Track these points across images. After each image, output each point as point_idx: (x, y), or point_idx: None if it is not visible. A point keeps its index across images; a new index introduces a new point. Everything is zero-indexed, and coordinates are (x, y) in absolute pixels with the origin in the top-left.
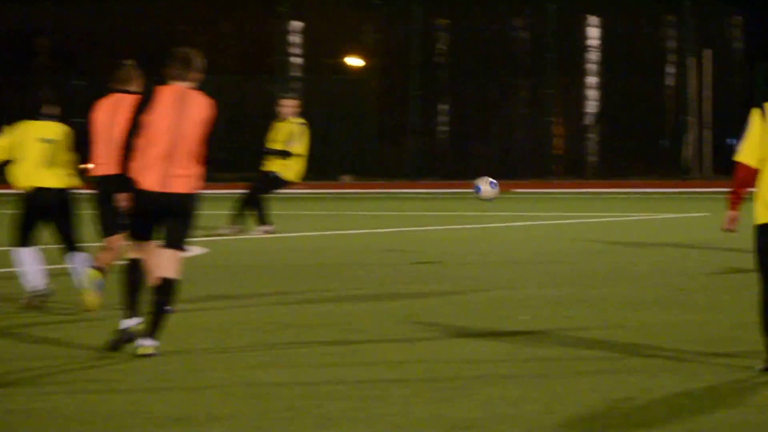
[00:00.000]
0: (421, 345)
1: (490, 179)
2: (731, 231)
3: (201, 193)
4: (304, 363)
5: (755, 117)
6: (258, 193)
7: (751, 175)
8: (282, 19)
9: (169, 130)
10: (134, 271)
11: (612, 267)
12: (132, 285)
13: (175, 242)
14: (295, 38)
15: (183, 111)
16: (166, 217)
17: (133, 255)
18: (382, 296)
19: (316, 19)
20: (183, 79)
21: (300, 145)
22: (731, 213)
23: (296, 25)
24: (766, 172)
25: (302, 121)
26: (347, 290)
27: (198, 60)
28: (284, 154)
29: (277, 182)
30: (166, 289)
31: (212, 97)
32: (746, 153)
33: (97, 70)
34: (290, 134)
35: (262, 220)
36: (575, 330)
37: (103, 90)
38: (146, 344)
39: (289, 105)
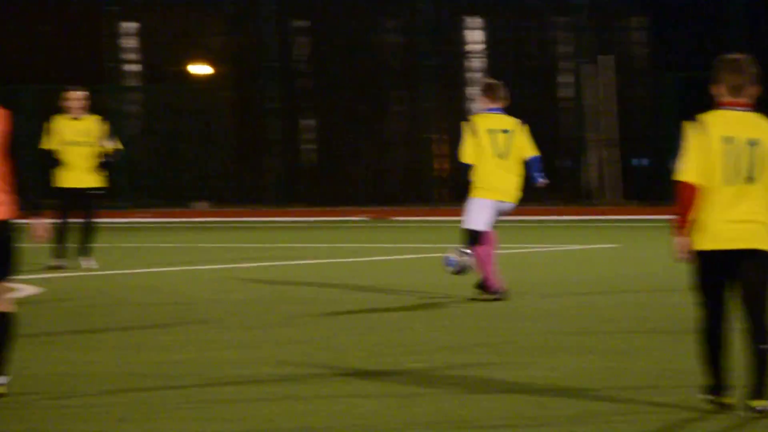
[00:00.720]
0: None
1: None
2: (686, 260)
3: (16, 221)
4: (170, 417)
5: (691, 131)
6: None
7: (695, 195)
8: (113, 20)
9: None
10: None
11: (512, 306)
12: None
13: (4, 273)
14: (129, 42)
15: None
16: None
17: None
18: (246, 342)
19: (153, 19)
20: None
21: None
22: (681, 240)
23: (129, 26)
24: (711, 192)
25: (99, 117)
26: (205, 333)
27: None
28: (116, 157)
29: (100, 197)
30: (1, 323)
31: (31, 110)
32: (689, 170)
33: None
34: (101, 133)
35: (61, 253)
36: (473, 378)
37: None
38: None
39: (79, 98)
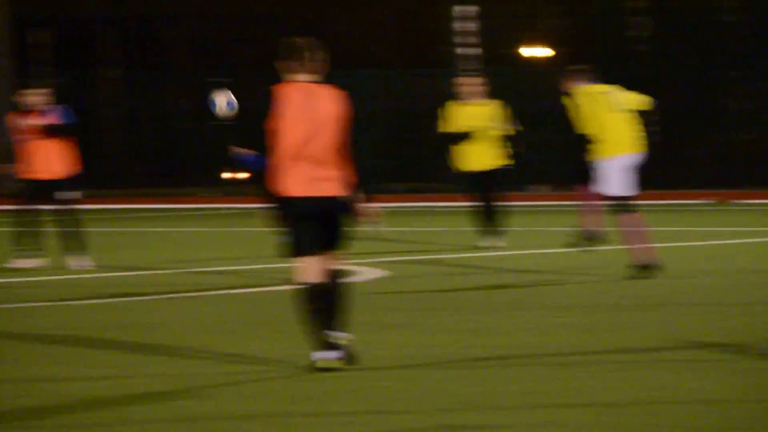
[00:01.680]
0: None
1: (229, 99)
2: None
3: (349, 198)
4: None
5: None
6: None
7: None
8: (448, 4)
9: (304, 132)
10: (315, 294)
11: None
12: (318, 310)
13: (334, 246)
14: (465, 26)
15: (314, 108)
16: (320, 223)
17: (307, 277)
18: (587, 327)
19: (490, 2)
20: (304, 72)
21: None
22: None
23: (467, 10)
24: None
25: (500, 101)
26: (544, 318)
27: (319, 50)
28: (518, 140)
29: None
30: (336, 289)
31: (367, 94)
32: None
33: (236, 65)
34: (500, 117)
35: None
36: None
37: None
38: (329, 356)
39: (472, 84)
